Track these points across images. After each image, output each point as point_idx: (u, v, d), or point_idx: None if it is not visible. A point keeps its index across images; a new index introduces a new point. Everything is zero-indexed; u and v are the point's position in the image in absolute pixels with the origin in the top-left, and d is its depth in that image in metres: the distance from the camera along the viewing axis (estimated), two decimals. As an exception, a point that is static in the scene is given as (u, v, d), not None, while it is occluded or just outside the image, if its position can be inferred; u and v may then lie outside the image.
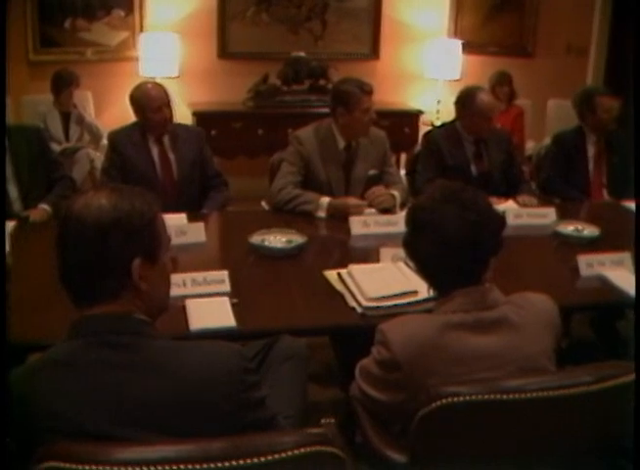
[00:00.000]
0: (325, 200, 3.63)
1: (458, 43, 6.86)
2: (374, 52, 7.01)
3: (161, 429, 1.51)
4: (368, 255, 3.06)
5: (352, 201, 3.65)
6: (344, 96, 3.74)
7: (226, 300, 2.56)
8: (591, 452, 1.97)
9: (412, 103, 7.02)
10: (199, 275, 2.67)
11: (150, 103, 3.80)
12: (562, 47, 7.33)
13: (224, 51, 6.63)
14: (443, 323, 1.88)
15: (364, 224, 3.39)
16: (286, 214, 3.64)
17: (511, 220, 3.51)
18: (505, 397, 1.73)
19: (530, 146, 6.45)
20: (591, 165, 4.47)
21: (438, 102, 6.79)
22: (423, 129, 6.11)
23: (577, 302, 2.88)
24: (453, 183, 2.05)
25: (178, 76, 6.20)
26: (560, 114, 6.31)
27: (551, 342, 1.99)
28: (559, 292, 2.84)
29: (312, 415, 2.20)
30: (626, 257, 3.05)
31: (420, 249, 1.98)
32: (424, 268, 2.02)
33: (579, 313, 3.77)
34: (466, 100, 4.16)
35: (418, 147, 4.48)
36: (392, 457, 1.95)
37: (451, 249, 1.90)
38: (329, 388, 3.33)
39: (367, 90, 3.73)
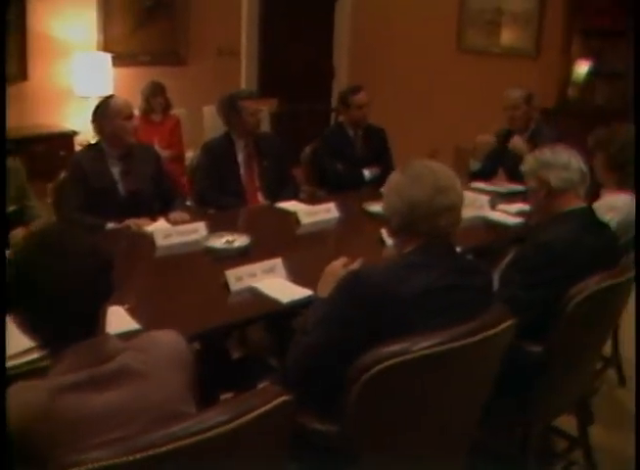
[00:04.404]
0: None
1: (107, 56, 6.61)
2: (22, 72, 6.46)
3: None
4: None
5: None
6: None
7: None
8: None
9: (66, 123, 6.63)
10: None
11: None
12: (213, 51, 7.39)
13: None
14: (53, 389, 1.65)
15: None
16: None
17: (161, 241, 3.37)
18: (139, 456, 1.52)
19: (190, 156, 6.34)
20: (242, 170, 4.46)
21: (93, 120, 6.49)
22: (80, 151, 5.82)
23: (230, 320, 2.74)
24: (50, 231, 1.85)
25: None
26: (216, 120, 6.25)
27: (183, 380, 1.84)
28: (211, 312, 2.78)
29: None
30: (277, 263, 3.03)
31: (17, 307, 1.75)
32: (29, 331, 1.80)
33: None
34: (100, 109, 3.93)
35: (63, 173, 4.14)
36: None
37: (51, 307, 1.68)
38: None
39: None
